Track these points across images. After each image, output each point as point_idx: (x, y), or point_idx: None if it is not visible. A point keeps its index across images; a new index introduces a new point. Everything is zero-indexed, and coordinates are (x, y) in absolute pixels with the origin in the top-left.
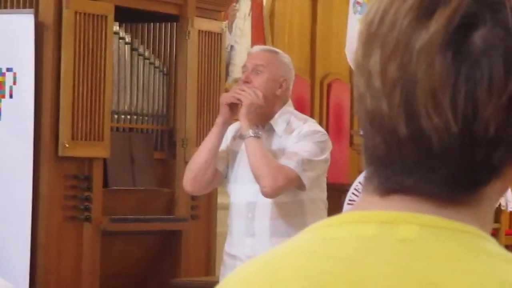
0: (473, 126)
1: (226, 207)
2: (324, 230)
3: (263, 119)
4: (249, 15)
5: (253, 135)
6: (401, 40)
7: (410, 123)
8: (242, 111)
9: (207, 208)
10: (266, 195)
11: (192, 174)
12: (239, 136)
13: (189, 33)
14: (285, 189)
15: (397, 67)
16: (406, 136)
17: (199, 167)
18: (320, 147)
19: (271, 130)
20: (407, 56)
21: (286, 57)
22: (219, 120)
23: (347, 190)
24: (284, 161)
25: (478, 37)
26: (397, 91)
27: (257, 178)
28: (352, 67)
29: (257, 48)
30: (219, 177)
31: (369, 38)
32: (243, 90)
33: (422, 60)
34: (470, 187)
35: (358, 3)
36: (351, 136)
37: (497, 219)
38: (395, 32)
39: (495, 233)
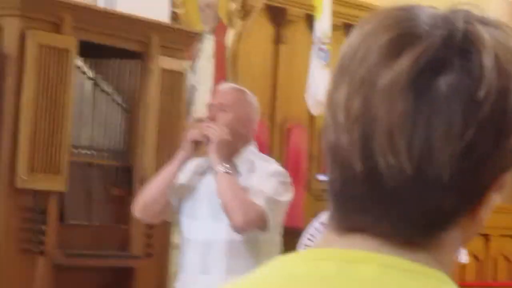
0: (427, 170)
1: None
2: (283, 266)
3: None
4: (212, 56)
5: (225, 170)
6: (367, 77)
7: (366, 160)
8: (212, 147)
9: (161, 247)
10: (237, 229)
11: (143, 202)
12: (201, 172)
13: (151, 70)
14: (254, 225)
15: (360, 104)
16: (361, 173)
17: (151, 196)
18: (284, 187)
19: (233, 169)
20: (370, 93)
21: (252, 97)
22: (181, 155)
23: (302, 235)
24: (251, 198)
25: (443, 82)
26: (357, 127)
27: (229, 213)
28: (313, 112)
29: (225, 86)
30: (169, 209)
31: (340, 72)
32: (209, 127)
33: (383, 99)
34: (425, 231)
35: (321, 49)
36: (309, 181)
37: None
38: (363, 69)
39: None
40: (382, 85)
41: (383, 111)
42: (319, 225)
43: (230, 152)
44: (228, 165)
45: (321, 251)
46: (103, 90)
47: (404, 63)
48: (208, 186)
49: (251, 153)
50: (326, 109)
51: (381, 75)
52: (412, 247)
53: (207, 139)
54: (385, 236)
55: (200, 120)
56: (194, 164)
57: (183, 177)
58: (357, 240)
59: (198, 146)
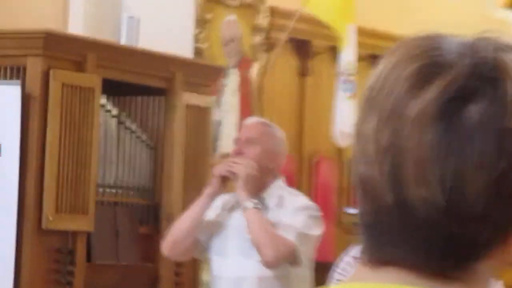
0: (460, 201)
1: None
2: None
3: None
4: (237, 90)
5: (253, 206)
6: (396, 107)
7: (397, 191)
8: (240, 183)
9: (191, 285)
10: (267, 265)
11: (171, 239)
12: (229, 209)
13: (176, 107)
14: (285, 261)
15: (390, 134)
16: (392, 205)
17: (180, 234)
18: (314, 222)
19: (262, 204)
20: (400, 124)
21: (279, 131)
22: (208, 191)
23: (333, 270)
24: (281, 233)
25: (475, 111)
26: (388, 158)
27: (259, 248)
28: (339, 144)
29: (252, 120)
30: (198, 246)
31: (368, 103)
32: (236, 163)
33: (414, 130)
34: (458, 262)
35: (347, 80)
36: (338, 215)
37: None
38: (392, 99)
39: None
40: (411, 115)
41: (413, 142)
42: (350, 259)
43: (258, 187)
44: (256, 201)
45: (354, 286)
46: (127, 128)
47: (432, 92)
48: (237, 222)
49: (279, 188)
50: (355, 141)
51: (409, 105)
52: (445, 279)
53: (234, 174)
54: (418, 268)
55: (226, 156)
56: (222, 200)
57: (211, 213)
58: (390, 273)
59: (225, 182)
